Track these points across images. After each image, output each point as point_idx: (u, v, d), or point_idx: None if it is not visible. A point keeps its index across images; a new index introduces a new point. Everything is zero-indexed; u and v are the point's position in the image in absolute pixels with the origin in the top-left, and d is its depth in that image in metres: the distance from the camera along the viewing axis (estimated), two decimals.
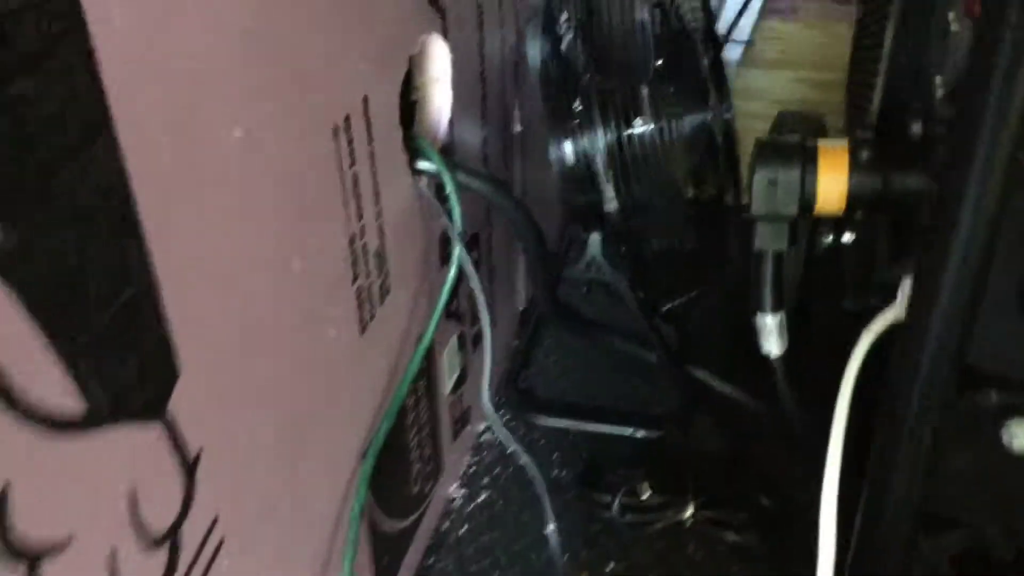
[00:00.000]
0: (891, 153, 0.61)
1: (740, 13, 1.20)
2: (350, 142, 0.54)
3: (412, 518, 0.75)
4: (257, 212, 0.45)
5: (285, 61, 0.46)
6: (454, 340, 0.80)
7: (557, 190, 0.89)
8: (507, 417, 0.93)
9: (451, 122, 0.71)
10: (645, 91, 0.89)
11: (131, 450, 0.37)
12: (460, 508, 0.84)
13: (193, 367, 0.40)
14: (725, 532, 0.81)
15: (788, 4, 1.50)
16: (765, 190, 0.63)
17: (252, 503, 0.48)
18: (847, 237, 0.71)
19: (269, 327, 0.47)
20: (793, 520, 0.80)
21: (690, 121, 0.88)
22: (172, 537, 0.40)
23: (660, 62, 0.89)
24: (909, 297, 0.48)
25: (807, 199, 0.62)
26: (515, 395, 0.95)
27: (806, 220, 0.64)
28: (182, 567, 0.41)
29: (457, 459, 0.87)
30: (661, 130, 0.88)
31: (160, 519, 0.39)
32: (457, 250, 0.65)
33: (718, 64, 0.95)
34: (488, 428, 0.91)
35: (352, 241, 0.56)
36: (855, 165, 0.61)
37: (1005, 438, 0.53)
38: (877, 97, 0.71)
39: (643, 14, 0.91)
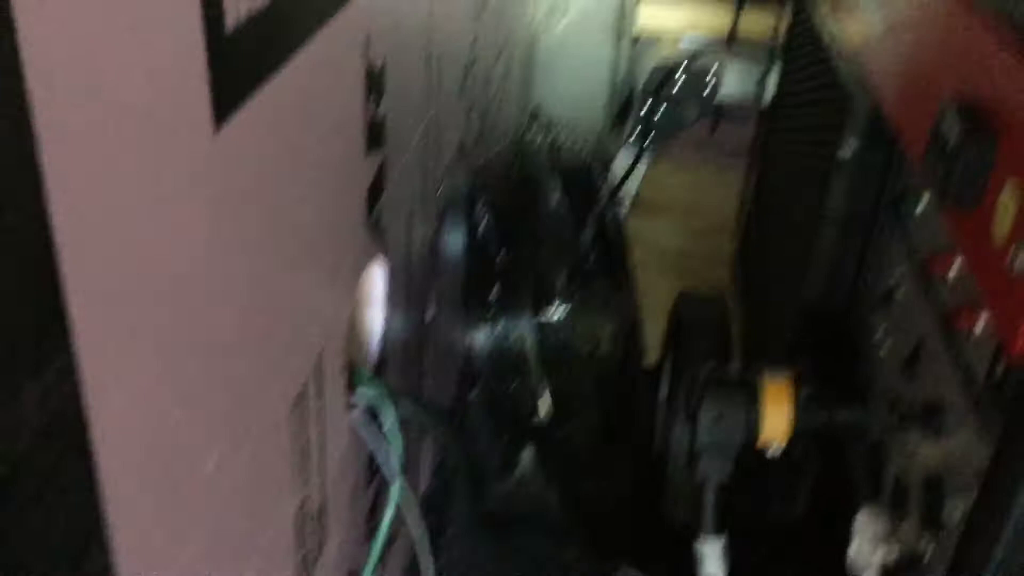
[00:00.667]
0: (832, 387, 0.62)
1: (627, 173, 1.24)
2: (304, 410, 0.50)
3: None
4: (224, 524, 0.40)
5: (246, 350, 0.41)
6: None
7: (461, 378, 0.87)
8: None
9: (384, 338, 0.67)
10: (560, 276, 0.88)
11: None
12: None
13: None
14: None
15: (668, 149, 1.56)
16: (711, 423, 0.63)
17: None
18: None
19: None
20: None
21: (606, 311, 0.88)
22: None
23: (575, 246, 0.89)
24: None
25: (752, 433, 0.63)
26: None
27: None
28: None
29: None
30: (576, 316, 0.88)
31: None
32: (396, 493, 0.61)
33: (623, 243, 0.96)
34: None
35: (301, 507, 0.51)
36: (798, 399, 0.62)
37: None
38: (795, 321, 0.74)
39: (555, 199, 0.92)
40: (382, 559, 0.62)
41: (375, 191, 0.60)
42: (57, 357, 0.26)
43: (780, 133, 0.96)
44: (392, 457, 0.61)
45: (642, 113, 1.19)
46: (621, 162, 1.25)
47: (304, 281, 0.48)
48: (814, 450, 0.71)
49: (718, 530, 0.67)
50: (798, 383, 0.63)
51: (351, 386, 0.61)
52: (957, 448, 0.46)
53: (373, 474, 0.69)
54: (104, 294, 0.28)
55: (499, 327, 0.86)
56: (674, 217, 1.48)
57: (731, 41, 1.18)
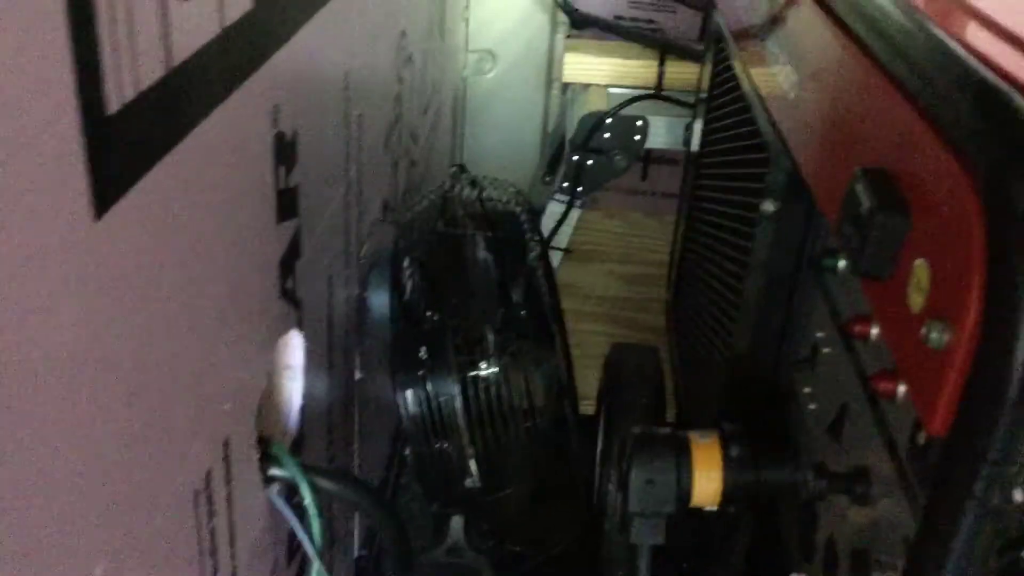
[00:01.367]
0: (761, 447, 0.62)
1: (559, 224, 1.23)
2: (210, 498, 0.47)
3: None
4: None
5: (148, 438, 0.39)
6: None
7: (391, 439, 0.84)
8: None
9: (304, 408, 0.65)
10: (490, 333, 0.87)
11: None
12: None
13: None
14: None
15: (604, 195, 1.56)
16: (642, 489, 0.62)
17: None
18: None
19: None
20: None
21: (538, 368, 0.87)
22: None
23: (505, 300, 0.88)
24: None
25: (683, 497, 0.61)
26: None
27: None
28: None
29: None
30: (508, 373, 0.86)
31: None
32: (316, 573, 0.58)
33: (555, 294, 0.95)
34: None
35: None
36: (728, 461, 0.61)
37: None
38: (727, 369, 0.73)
39: (484, 253, 0.90)
40: None
41: (289, 260, 0.58)
42: None
43: (706, 182, 0.97)
44: (312, 535, 0.59)
45: (572, 163, 1.19)
46: (553, 210, 1.24)
47: (207, 362, 0.46)
48: (747, 512, 0.70)
49: None
50: (727, 443, 0.62)
51: (268, 461, 0.58)
52: (884, 516, 0.45)
53: (295, 550, 0.66)
54: None
55: (428, 388, 0.84)
56: (609, 263, 1.48)
57: (658, 90, 1.19)
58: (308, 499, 0.58)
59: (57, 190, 0.31)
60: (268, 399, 0.62)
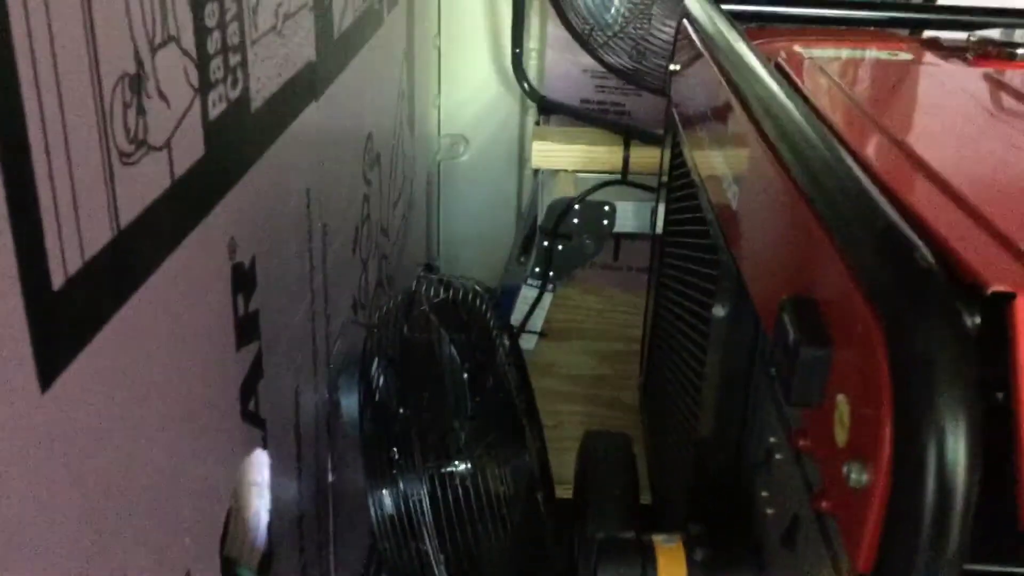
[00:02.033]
0: (724, 552, 0.62)
1: (531, 308, 1.25)
2: None
3: None
4: None
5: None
6: None
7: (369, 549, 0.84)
8: None
9: (272, 524, 0.65)
10: (461, 429, 0.88)
11: None
12: None
13: None
14: None
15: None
16: None
17: None
18: None
19: None
20: None
21: (510, 462, 0.87)
22: None
23: (473, 400, 0.89)
24: None
25: None
26: None
27: None
28: None
29: None
30: (479, 469, 0.87)
31: None
32: None
33: (526, 387, 0.96)
34: None
35: None
36: (692, 565, 0.62)
37: None
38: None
39: (450, 349, 0.92)
40: None
41: (250, 382, 0.59)
42: None
43: (669, 270, 0.99)
44: None
45: (543, 248, 1.21)
46: (527, 294, 1.26)
47: (167, 501, 0.47)
48: None
49: None
50: (691, 547, 0.63)
51: None
52: None
53: None
54: None
55: (400, 487, 0.84)
56: (586, 341, 1.49)
57: (624, 175, 1.22)
58: None
59: (1, 370, 0.32)
60: (235, 516, 0.63)
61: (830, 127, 0.54)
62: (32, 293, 0.33)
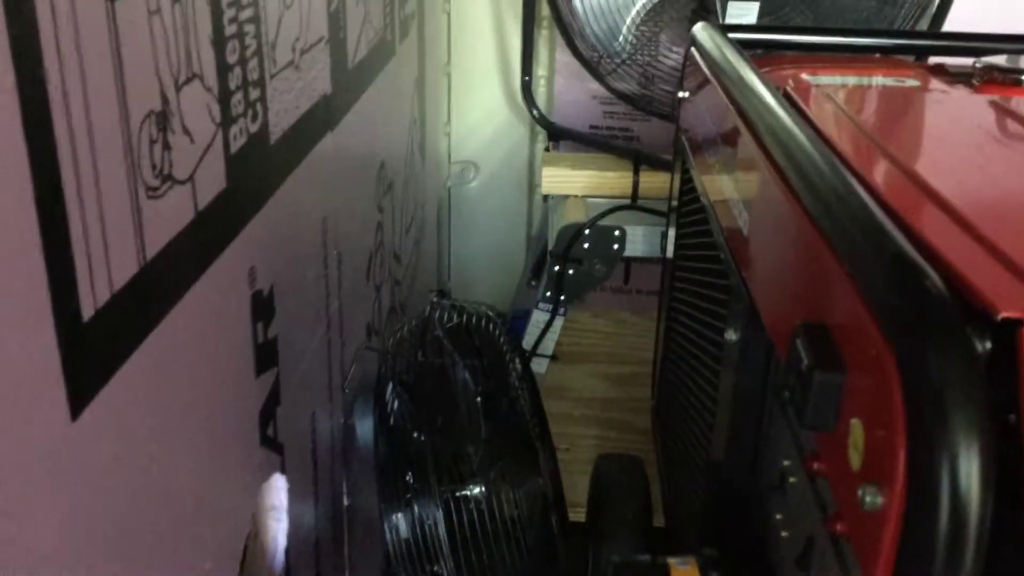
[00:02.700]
0: (740, 574, 0.62)
1: (543, 332, 1.26)
2: None
3: None
4: None
5: None
6: None
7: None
8: None
9: (290, 547, 0.66)
10: (475, 453, 0.88)
11: None
12: None
13: None
14: None
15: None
16: None
17: None
18: None
19: None
20: None
21: (523, 486, 0.88)
22: None
23: (487, 423, 0.90)
24: None
25: None
26: None
27: None
28: None
29: None
30: (492, 493, 0.87)
31: None
32: None
33: (540, 411, 0.97)
34: None
35: None
36: None
37: None
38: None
39: (464, 373, 0.92)
40: None
41: (269, 408, 0.60)
42: None
43: (680, 295, 0.99)
44: None
45: (553, 273, 1.22)
46: (538, 319, 1.27)
47: (189, 525, 0.47)
48: None
49: None
50: (705, 570, 0.63)
51: None
52: None
53: None
54: None
55: (414, 511, 0.85)
56: (597, 365, 1.50)
57: (634, 200, 1.23)
58: None
59: (33, 399, 0.33)
60: (253, 540, 0.63)
61: (838, 154, 0.55)
62: (63, 325, 0.34)
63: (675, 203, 1.06)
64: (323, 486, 0.77)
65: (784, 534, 0.59)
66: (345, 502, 0.87)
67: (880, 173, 0.51)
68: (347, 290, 0.81)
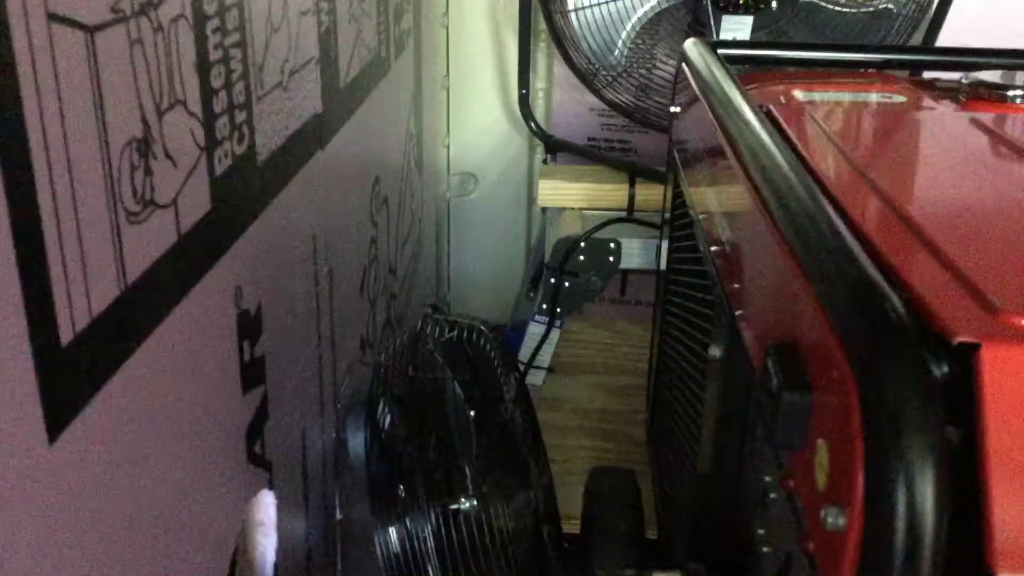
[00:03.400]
0: None
1: (539, 345, 1.26)
2: None
3: None
4: None
5: None
6: None
7: None
8: None
9: (279, 562, 0.67)
10: (467, 467, 0.89)
11: None
12: None
13: None
14: None
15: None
16: None
17: None
18: None
19: None
20: None
21: (515, 500, 0.88)
22: None
23: (479, 438, 0.90)
24: None
25: None
26: None
27: None
28: None
29: None
30: (485, 506, 0.88)
31: None
32: None
33: (534, 425, 0.97)
34: None
35: None
36: None
37: None
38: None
39: (456, 388, 0.93)
40: None
41: (256, 425, 0.61)
42: None
43: (672, 308, 1.00)
44: None
45: (550, 285, 1.22)
46: (535, 330, 1.28)
47: (173, 545, 0.48)
48: None
49: None
50: None
51: None
52: None
53: None
54: None
55: (406, 525, 0.85)
56: (594, 376, 1.50)
57: (629, 213, 1.24)
58: None
59: (9, 423, 0.34)
60: (242, 556, 0.64)
61: (814, 174, 0.55)
62: (41, 350, 0.35)
63: (667, 216, 1.07)
64: (314, 501, 0.78)
65: (765, 549, 0.60)
66: (337, 516, 0.87)
67: (853, 193, 0.52)
68: (339, 305, 0.82)
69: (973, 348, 0.35)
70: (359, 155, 0.89)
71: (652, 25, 1.30)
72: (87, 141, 0.38)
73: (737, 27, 1.19)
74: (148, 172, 0.43)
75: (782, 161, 0.53)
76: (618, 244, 1.21)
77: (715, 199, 0.71)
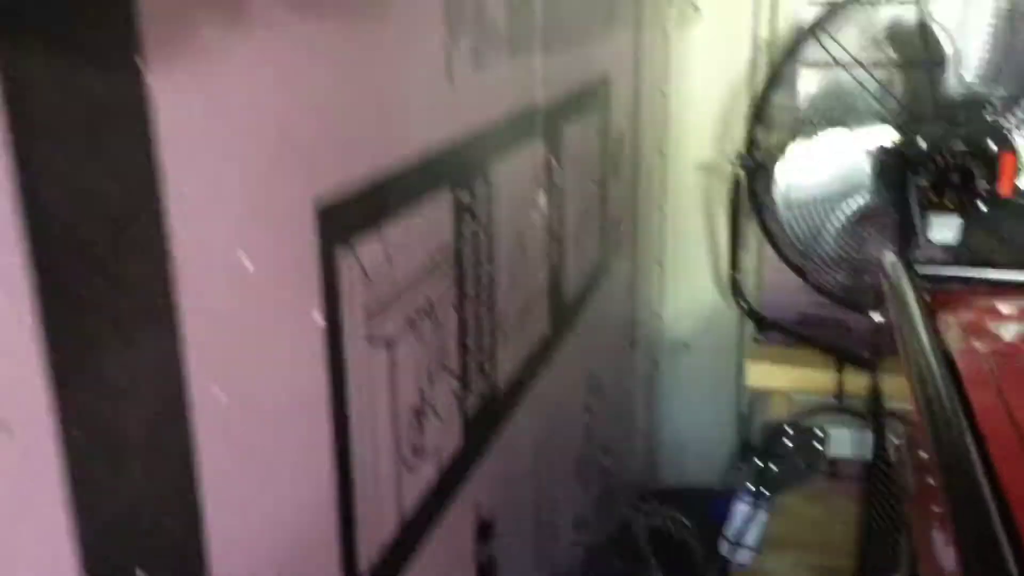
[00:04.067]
0: None
1: (747, 524, 1.30)
2: None
3: None
4: None
5: None
6: None
7: None
8: None
9: None
10: None
11: None
12: None
13: None
14: None
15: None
16: None
17: None
18: None
19: None
20: None
21: None
22: None
23: None
24: None
25: None
26: None
27: None
28: None
29: None
30: None
31: None
32: None
33: None
34: None
35: None
36: None
37: None
38: None
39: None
40: None
41: None
42: None
43: (878, 500, 1.02)
44: None
45: (756, 468, 1.27)
46: (741, 509, 1.32)
47: None
48: None
49: None
50: None
51: None
52: None
53: None
54: None
55: None
56: (806, 554, 1.50)
57: (839, 399, 1.28)
58: None
59: None
60: None
61: (974, 419, 0.61)
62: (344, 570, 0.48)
63: (874, 406, 1.10)
64: None
65: None
66: None
67: (1006, 444, 0.57)
68: (556, 495, 0.93)
69: None
70: (578, 357, 1.01)
71: (862, 218, 1.35)
72: (382, 415, 0.52)
73: (946, 226, 1.23)
74: (420, 429, 0.57)
75: (952, 420, 0.59)
76: (825, 432, 1.25)
77: (904, 400, 0.75)
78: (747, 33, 1.52)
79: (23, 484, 0.27)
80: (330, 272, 0.44)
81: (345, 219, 0.45)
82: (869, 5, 1.31)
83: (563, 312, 0.92)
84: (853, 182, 1.31)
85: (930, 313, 0.81)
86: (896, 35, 1.30)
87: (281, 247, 0.40)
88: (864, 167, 1.30)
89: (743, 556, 1.35)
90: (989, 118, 1.22)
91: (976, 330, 0.82)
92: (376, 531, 0.51)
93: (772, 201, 1.36)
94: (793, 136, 1.33)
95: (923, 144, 1.22)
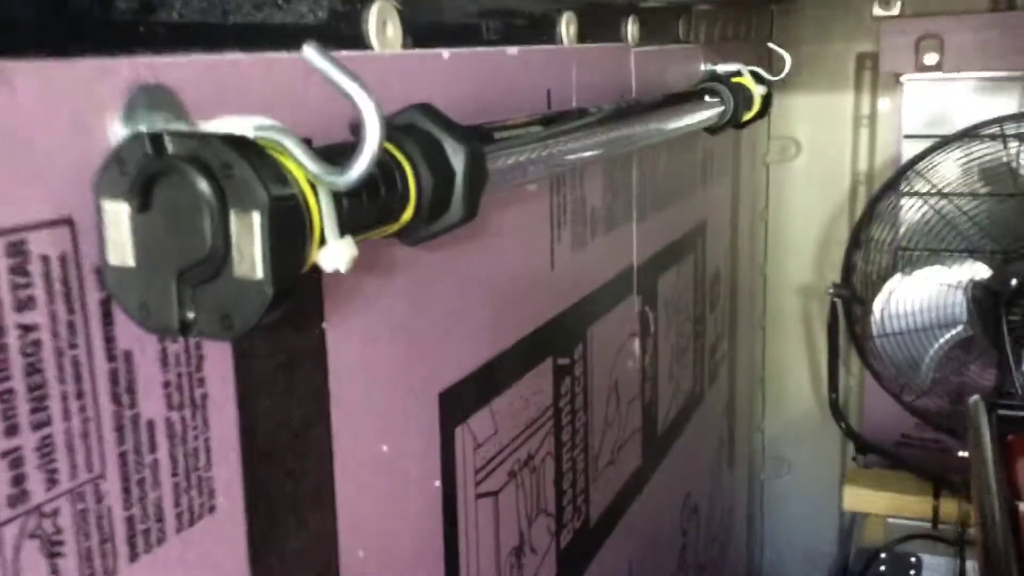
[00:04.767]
0: None
1: None
2: None
3: None
4: None
5: None
6: None
7: None
8: None
9: None
10: None
11: None
12: None
13: None
14: None
15: None
16: None
17: None
18: None
19: None
20: None
21: None
22: None
23: None
24: None
25: None
26: None
27: None
28: None
29: None
30: None
31: None
32: None
33: None
34: None
35: None
36: None
37: None
38: None
39: None
40: None
41: None
42: None
43: None
44: None
45: None
46: None
47: None
48: None
49: None
50: None
51: None
52: None
53: None
54: None
55: None
56: None
57: (934, 526, 1.30)
58: None
59: None
60: None
61: None
62: None
63: (961, 535, 1.13)
64: None
65: None
66: None
67: None
68: None
69: None
70: (672, 486, 1.09)
71: (960, 349, 1.38)
72: (486, 558, 0.62)
73: None
74: (520, 567, 0.66)
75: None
76: (919, 560, 1.27)
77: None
78: (847, 167, 1.60)
79: None
80: (448, 446, 0.54)
81: (461, 401, 0.56)
82: (967, 141, 1.37)
83: (655, 442, 1.00)
84: (949, 315, 1.35)
85: (1006, 460, 0.86)
86: (988, 171, 1.35)
87: (410, 432, 0.51)
88: (960, 301, 1.34)
89: None
90: None
91: None
92: None
93: (869, 330, 1.40)
94: (890, 266, 1.39)
95: (1014, 281, 1.26)
